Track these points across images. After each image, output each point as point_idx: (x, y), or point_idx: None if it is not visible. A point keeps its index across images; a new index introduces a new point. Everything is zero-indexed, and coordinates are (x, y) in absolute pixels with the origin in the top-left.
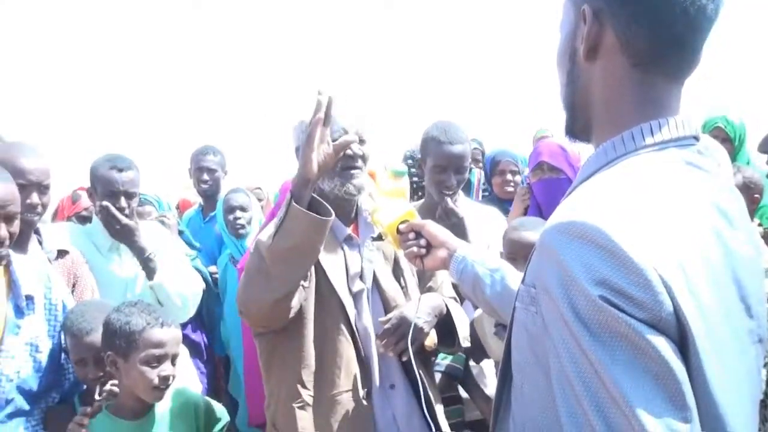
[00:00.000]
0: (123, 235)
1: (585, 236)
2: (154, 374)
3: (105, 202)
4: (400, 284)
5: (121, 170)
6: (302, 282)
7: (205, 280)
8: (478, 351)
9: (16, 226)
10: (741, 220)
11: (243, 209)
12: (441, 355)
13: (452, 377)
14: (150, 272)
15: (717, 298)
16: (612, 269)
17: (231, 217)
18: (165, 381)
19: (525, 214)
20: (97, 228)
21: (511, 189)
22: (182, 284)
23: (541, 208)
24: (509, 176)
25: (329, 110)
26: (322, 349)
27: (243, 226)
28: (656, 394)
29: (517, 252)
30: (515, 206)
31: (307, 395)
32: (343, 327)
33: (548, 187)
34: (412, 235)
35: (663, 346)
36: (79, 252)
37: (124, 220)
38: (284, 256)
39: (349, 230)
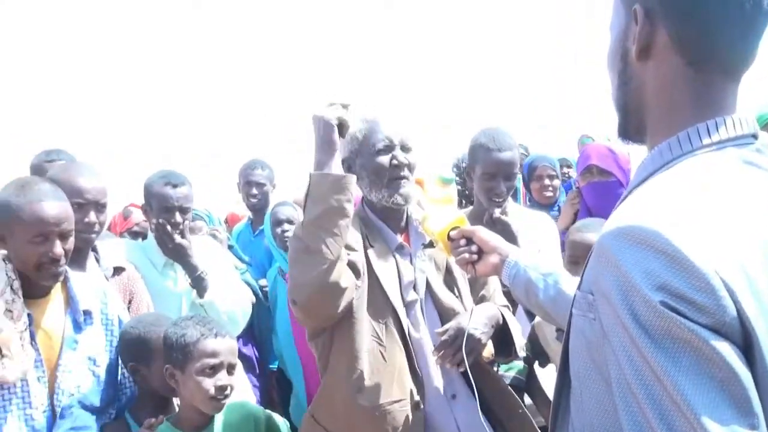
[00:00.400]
0: (176, 253)
1: (644, 240)
2: (210, 384)
3: (161, 220)
4: (453, 293)
5: (175, 186)
6: (356, 281)
7: (255, 293)
8: (542, 356)
9: (71, 243)
10: None
11: (290, 222)
12: (504, 367)
13: (517, 389)
14: (201, 290)
15: None
16: (672, 274)
17: (279, 230)
18: (222, 391)
19: (575, 218)
20: (153, 244)
21: (550, 194)
22: (232, 301)
23: (591, 212)
24: (547, 181)
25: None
26: (375, 357)
27: None
28: (722, 400)
29: (581, 254)
30: (565, 210)
31: (361, 401)
32: (397, 336)
33: (598, 190)
34: (463, 242)
35: (727, 351)
36: (134, 268)
37: (178, 239)
38: (317, 225)
39: (401, 239)
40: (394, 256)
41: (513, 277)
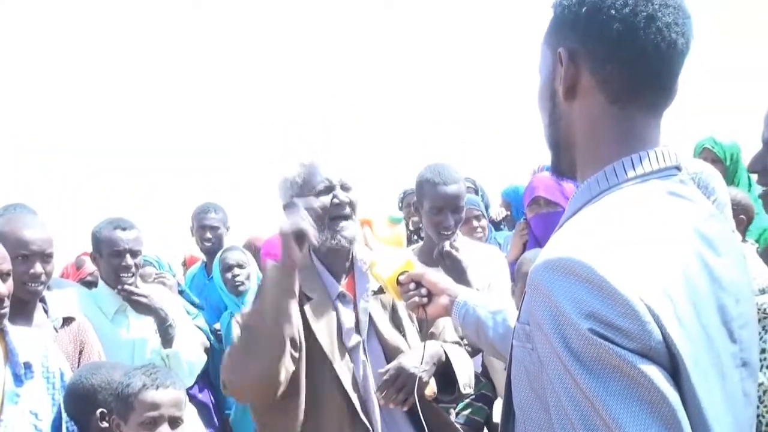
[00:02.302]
0: (146, 307)
1: (571, 271)
2: None
3: (125, 286)
4: (400, 332)
5: (124, 229)
6: (292, 351)
7: (207, 338)
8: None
9: (9, 285)
10: (726, 245)
11: (240, 266)
12: (461, 406)
13: (472, 429)
14: (168, 341)
15: (701, 324)
16: (599, 302)
17: (229, 275)
18: None
19: (524, 249)
20: (104, 292)
21: (480, 235)
22: (191, 351)
23: (539, 242)
24: (474, 222)
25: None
26: (318, 418)
27: (242, 283)
28: (652, 422)
29: None
30: (514, 242)
31: None
32: (337, 393)
33: (545, 221)
34: (412, 285)
35: (655, 374)
36: (85, 318)
37: (144, 297)
38: (265, 313)
39: (342, 286)
40: (335, 305)
41: (463, 317)
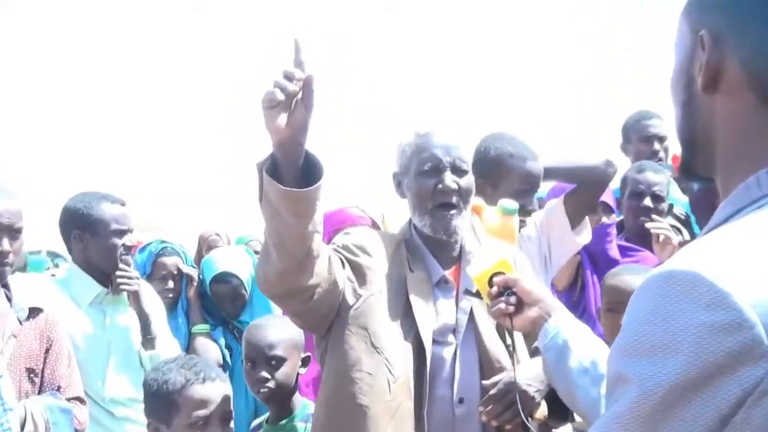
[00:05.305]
0: (137, 299)
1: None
2: None
3: (124, 273)
4: (505, 343)
5: (123, 204)
6: (343, 277)
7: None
8: None
9: (19, 244)
10: None
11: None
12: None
13: None
14: (149, 341)
15: None
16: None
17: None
18: None
19: (578, 271)
20: (78, 279)
21: None
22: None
23: (594, 260)
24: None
25: (298, 56)
26: (375, 386)
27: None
28: None
29: (619, 300)
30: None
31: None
32: (412, 377)
33: (596, 235)
34: (495, 289)
35: None
36: (54, 309)
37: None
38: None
39: (447, 272)
40: (434, 291)
41: (548, 349)
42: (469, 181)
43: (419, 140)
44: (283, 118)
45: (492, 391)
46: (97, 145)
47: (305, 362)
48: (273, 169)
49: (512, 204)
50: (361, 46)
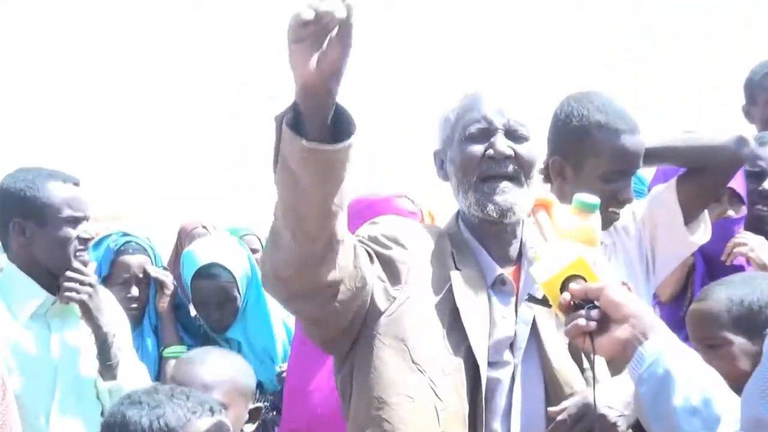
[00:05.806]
0: (89, 313)
1: None
2: None
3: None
4: (581, 367)
5: (76, 184)
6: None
7: None
8: None
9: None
10: None
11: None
12: None
13: None
14: (108, 369)
15: None
16: None
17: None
18: None
19: (688, 278)
20: (17, 283)
21: None
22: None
23: (710, 264)
24: None
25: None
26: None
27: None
28: None
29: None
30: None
31: None
32: (467, 404)
33: (719, 231)
34: (565, 296)
35: None
36: None
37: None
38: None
39: (506, 272)
40: (489, 294)
41: (642, 381)
42: (529, 149)
43: (465, 101)
44: (312, 57)
45: (560, 416)
46: (97, 144)
47: (254, 416)
48: (295, 123)
49: (593, 199)
50: (360, 45)
